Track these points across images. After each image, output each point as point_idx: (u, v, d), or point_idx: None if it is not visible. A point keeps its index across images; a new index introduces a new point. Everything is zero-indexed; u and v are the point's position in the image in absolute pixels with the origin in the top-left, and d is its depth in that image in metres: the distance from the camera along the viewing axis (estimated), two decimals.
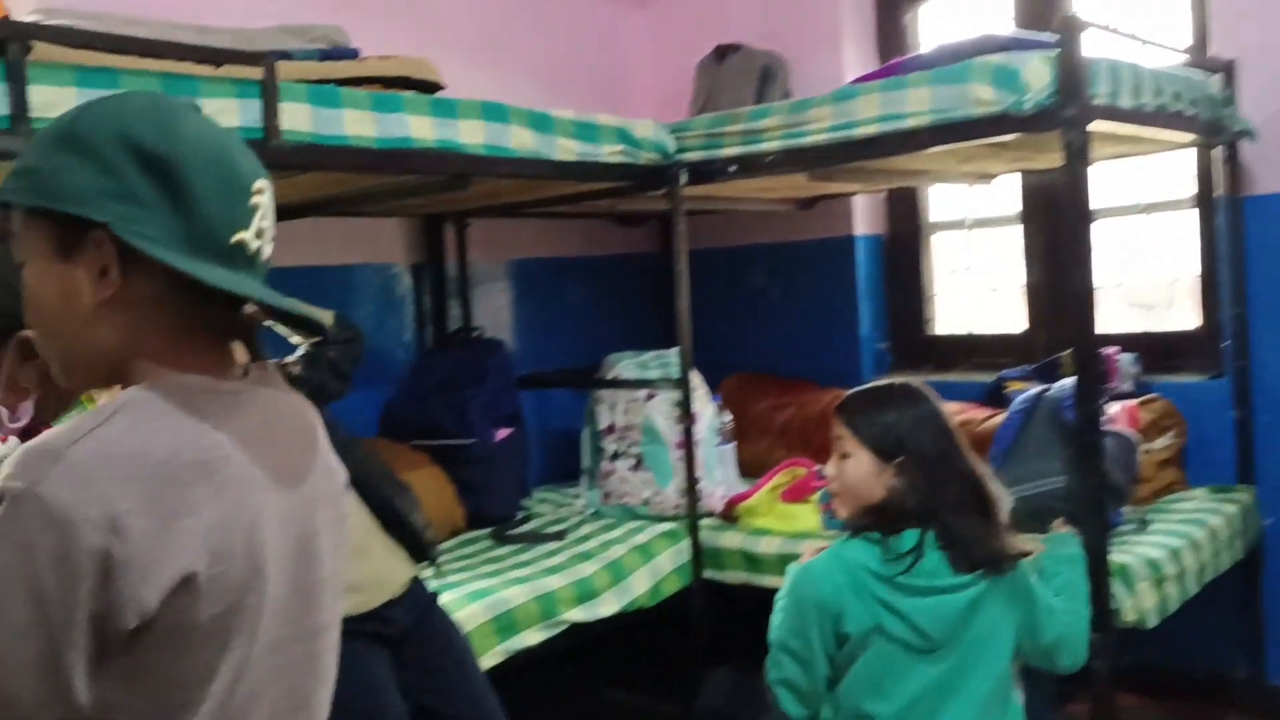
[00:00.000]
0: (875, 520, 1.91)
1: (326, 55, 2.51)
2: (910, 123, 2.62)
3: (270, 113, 2.13)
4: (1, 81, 1.81)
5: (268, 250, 1.01)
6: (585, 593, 2.87)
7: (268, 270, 1.02)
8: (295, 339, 2.31)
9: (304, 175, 2.46)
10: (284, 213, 3.04)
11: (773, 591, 2.08)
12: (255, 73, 2.13)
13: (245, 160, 0.99)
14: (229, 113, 2.10)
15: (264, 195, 0.99)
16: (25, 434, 1.28)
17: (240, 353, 2.06)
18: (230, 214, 0.95)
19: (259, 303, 0.99)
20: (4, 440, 1.28)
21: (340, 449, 2.20)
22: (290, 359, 2.31)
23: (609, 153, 2.85)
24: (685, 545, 3.21)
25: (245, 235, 0.96)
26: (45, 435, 0.87)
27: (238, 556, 0.90)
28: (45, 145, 0.94)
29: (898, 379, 2.08)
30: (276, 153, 2.14)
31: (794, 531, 3.08)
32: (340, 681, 2.08)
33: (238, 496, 0.92)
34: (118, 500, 0.83)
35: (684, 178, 3.06)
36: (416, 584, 2.29)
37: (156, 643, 0.86)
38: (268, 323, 2.23)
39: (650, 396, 3.39)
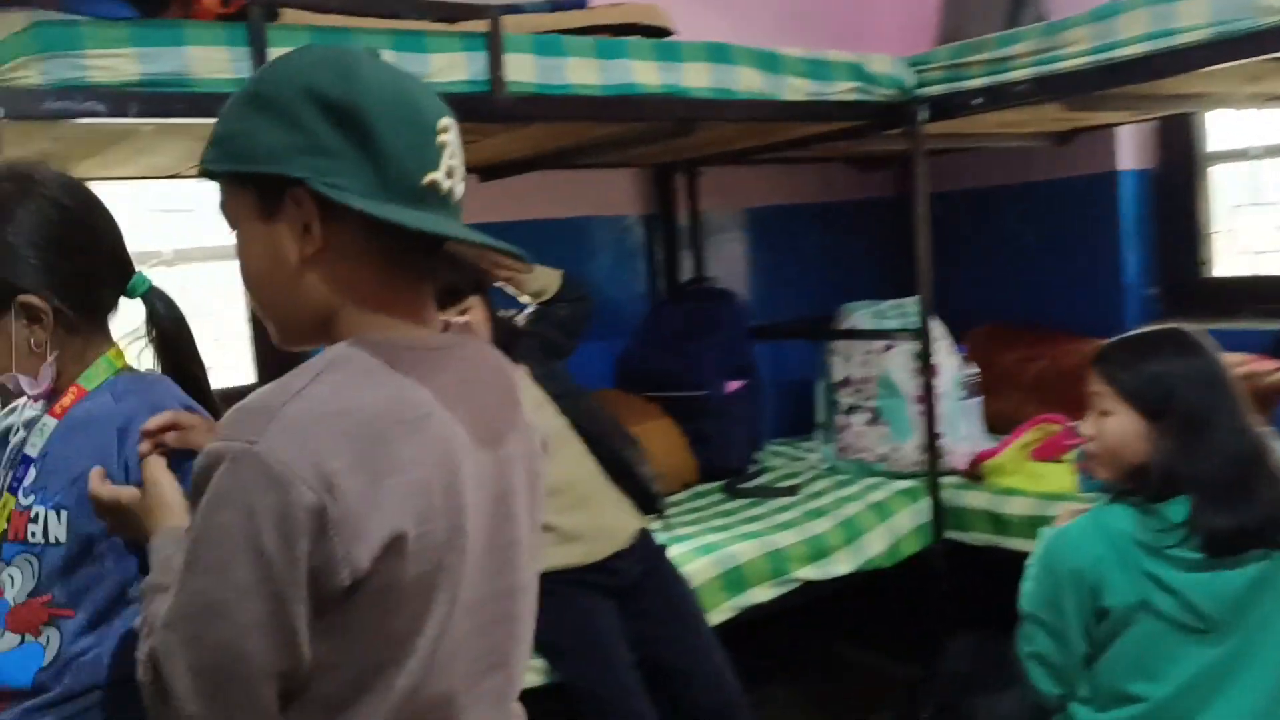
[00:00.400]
0: (1139, 484, 1.72)
1: (556, 6, 2.50)
2: (1185, 39, 2.33)
3: (495, 65, 2.13)
4: (244, 45, 1.88)
5: (460, 190, 0.98)
6: (818, 550, 2.79)
7: (461, 210, 0.99)
8: (524, 298, 2.33)
9: (532, 127, 2.46)
10: (516, 167, 3.11)
11: (1021, 555, 1.92)
12: (482, 26, 2.14)
13: (427, 100, 0.96)
14: (457, 67, 2.11)
15: (450, 133, 0.96)
16: (49, 396, 1.30)
17: (479, 309, 2.10)
18: (419, 155, 0.93)
19: (458, 241, 0.97)
20: (34, 403, 1.30)
21: (570, 401, 2.24)
22: (518, 313, 2.33)
23: (842, 91, 2.71)
24: (925, 504, 3.07)
25: (436, 175, 0.94)
26: (257, 394, 0.88)
27: (440, 516, 0.89)
28: (234, 110, 0.95)
29: (1166, 326, 1.85)
30: (502, 105, 2.14)
31: (1045, 492, 2.88)
32: (568, 630, 2.13)
33: (440, 455, 0.90)
34: (330, 459, 0.83)
35: (924, 114, 2.87)
36: (645, 536, 2.28)
37: (367, 601, 0.86)
38: (499, 283, 2.28)
39: (888, 348, 3.24)
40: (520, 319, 2.34)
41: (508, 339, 2.23)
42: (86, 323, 1.27)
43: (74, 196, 1.27)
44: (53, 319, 1.23)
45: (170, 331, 1.31)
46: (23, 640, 1.22)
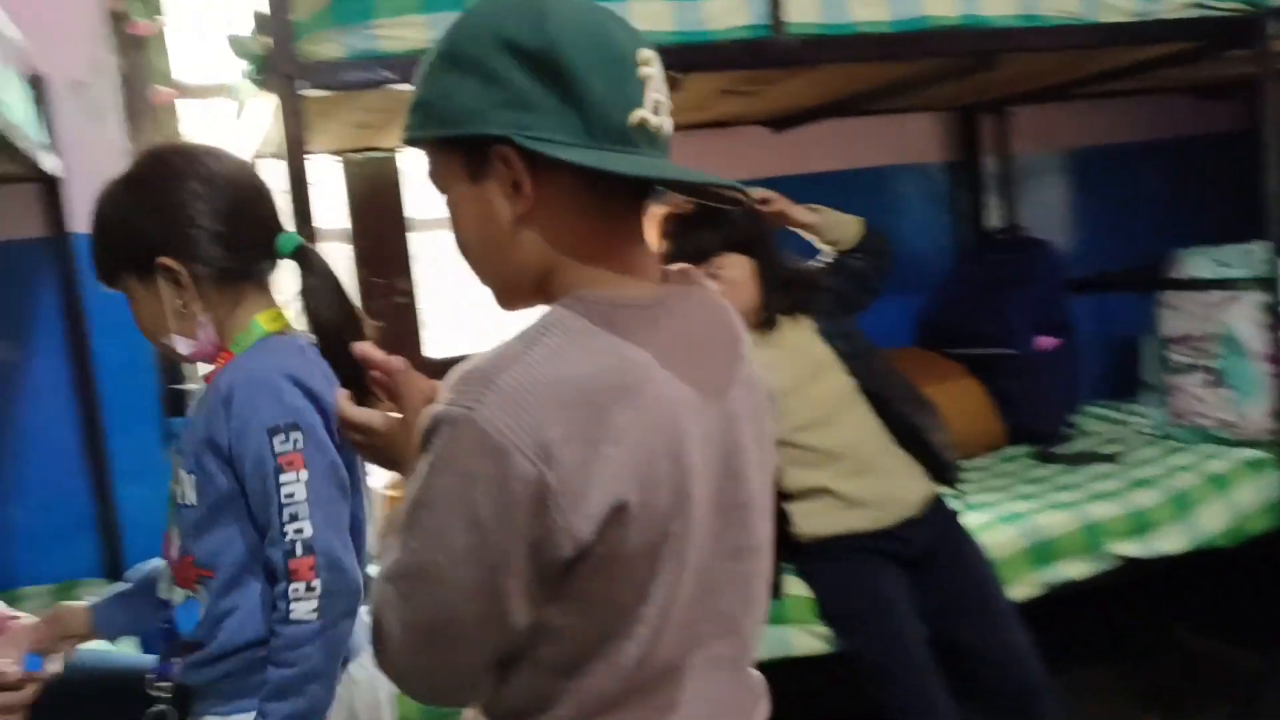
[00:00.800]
0: None
1: None
2: None
3: (775, 6, 2.04)
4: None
5: (668, 125, 0.90)
6: (1141, 525, 2.53)
7: (669, 143, 0.92)
8: (823, 247, 2.23)
9: (819, 71, 2.35)
10: (808, 115, 3.01)
11: None
12: None
13: (625, 32, 0.89)
14: (735, 11, 2.05)
15: (652, 65, 0.89)
16: (209, 358, 1.33)
17: (738, 266, 2.03)
18: (622, 94, 0.86)
19: (672, 183, 0.90)
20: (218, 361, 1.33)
21: (860, 361, 2.13)
22: (814, 264, 2.24)
23: (1174, 8, 2.40)
24: (1275, 477, 2.72)
25: (642, 113, 0.86)
26: (479, 357, 0.86)
27: (665, 483, 0.85)
28: (431, 71, 0.91)
29: None
30: (783, 49, 2.06)
31: None
32: (853, 597, 2.04)
33: (661, 419, 0.85)
34: (548, 428, 0.80)
35: (1278, 28, 2.49)
36: (937, 504, 2.14)
37: (591, 571, 0.84)
38: (797, 230, 2.20)
39: (1231, 300, 2.88)
40: (814, 270, 2.24)
41: (799, 292, 2.15)
42: (231, 285, 1.31)
43: (210, 162, 1.32)
44: (192, 281, 1.29)
45: (315, 292, 1.32)
46: (187, 596, 1.32)
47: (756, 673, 1.03)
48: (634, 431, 0.83)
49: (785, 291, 2.14)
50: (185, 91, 2.92)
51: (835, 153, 3.24)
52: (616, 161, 0.85)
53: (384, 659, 0.90)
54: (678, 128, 0.93)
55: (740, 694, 0.99)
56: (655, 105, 0.88)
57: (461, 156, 0.90)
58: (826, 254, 2.24)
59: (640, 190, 0.92)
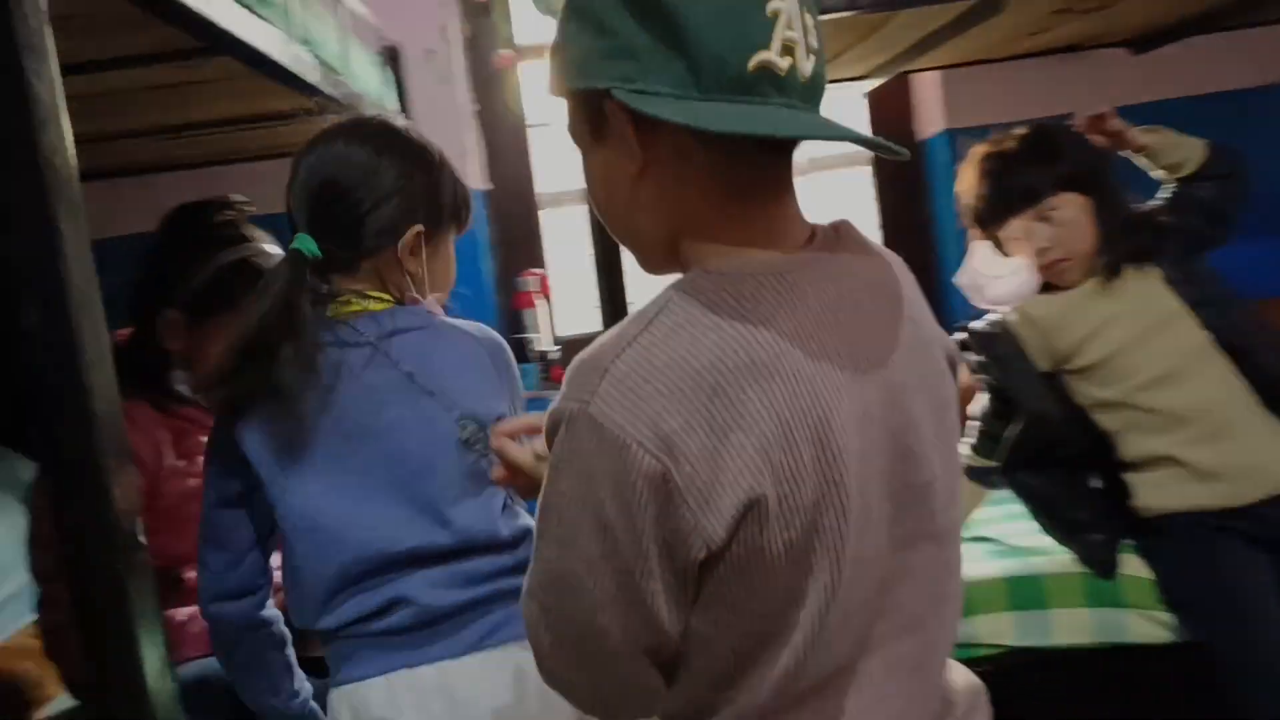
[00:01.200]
0: None
1: None
2: None
3: None
4: None
5: (808, 66, 0.78)
6: None
7: (820, 90, 0.80)
8: (1162, 174, 1.99)
9: None
10: (1171, 33, 2.67)
11: None
12: None
13: None
14: None
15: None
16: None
17: (1070, 206, 1.83)
18: (740, 34, 0.75)
19: (793, 137, 0.80)
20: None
21: (1214, 310, 1.88)
22: (1154, 203, 2.00)
23: None
24: None
25: (767, 55, 0.75)
26: (595, 344, 0.80)
27: (808, 472, 0.75)
28: (561, 21, 0.84)
29: None
30: None
31: None
32: (1202, 581, 1.84)
33: (800, 399, 0.76)
34: (667, 417, 0.73)
35: None
36: None
37: (730, 574, 0.77)
38: (1133, 154, 1.96)
39: None
40: (1157, 209, 1.99)
41: (1143, 236, 1.93)
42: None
43: (311, 146, 1.31)
44: None
45: (260, 290, 1.25)
46: None
47: (964, 677, 0.92)
48: (767, 416, 0.74)
49: (1127, 235, 1.93)
50: (523, 53, 3.07)
51: (1205, 74, 2.87)
52: (715, 115, 0.75)
53: (545, 676, 0.87)
54: (1015, 56, 0.81)
55: (926, 701, 0.88)
56: (787, 45, 0.76)
57: (584, 112, 0.84)
58: (1167, 183, 1.99)
59: (776, 143, 0.81)
